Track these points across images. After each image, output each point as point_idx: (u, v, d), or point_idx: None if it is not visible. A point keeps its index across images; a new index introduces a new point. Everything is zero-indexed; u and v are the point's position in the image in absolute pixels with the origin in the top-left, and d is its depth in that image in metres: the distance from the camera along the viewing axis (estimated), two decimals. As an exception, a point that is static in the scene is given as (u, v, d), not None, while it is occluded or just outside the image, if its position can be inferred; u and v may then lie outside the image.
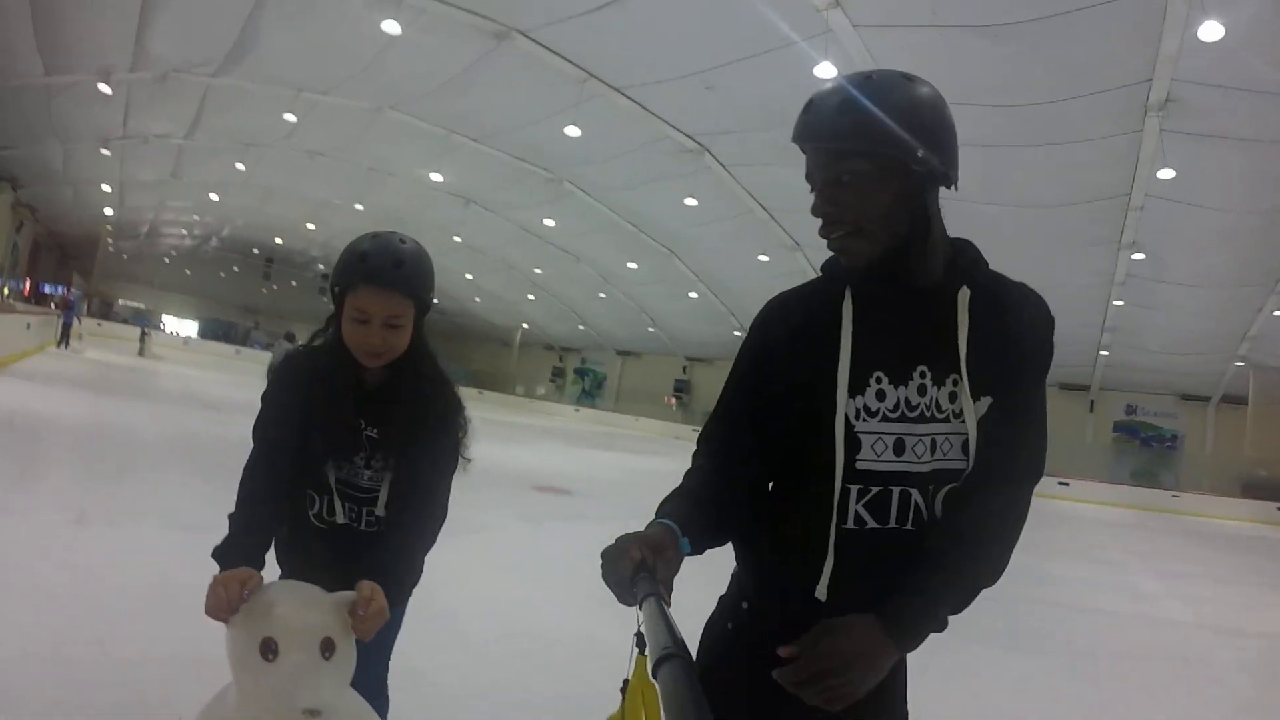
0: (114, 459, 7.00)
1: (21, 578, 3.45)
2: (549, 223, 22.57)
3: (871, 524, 1.08)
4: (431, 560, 1.69)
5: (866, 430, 1.09)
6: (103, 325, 35.17)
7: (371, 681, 1.65)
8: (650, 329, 32.43)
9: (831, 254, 1.17)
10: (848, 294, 1.14)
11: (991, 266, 1.17)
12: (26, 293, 32.37)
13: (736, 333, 27.29)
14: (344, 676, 1.28)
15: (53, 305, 30.03)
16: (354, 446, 1.61)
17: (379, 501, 1.62)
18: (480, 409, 24.27)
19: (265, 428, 1.60)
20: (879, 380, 1.10)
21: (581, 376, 41.77)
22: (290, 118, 16.92)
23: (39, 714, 2.29)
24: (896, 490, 1.08)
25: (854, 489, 1.08)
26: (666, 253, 22.29)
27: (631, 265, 24.53)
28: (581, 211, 20.64)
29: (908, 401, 1.10)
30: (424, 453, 1.61)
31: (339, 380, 1.60)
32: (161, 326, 44.20)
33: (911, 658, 1.09)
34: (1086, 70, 9.83)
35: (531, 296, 34.57)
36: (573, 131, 14.76)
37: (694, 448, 1.24)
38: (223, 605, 1.24)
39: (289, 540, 1.63)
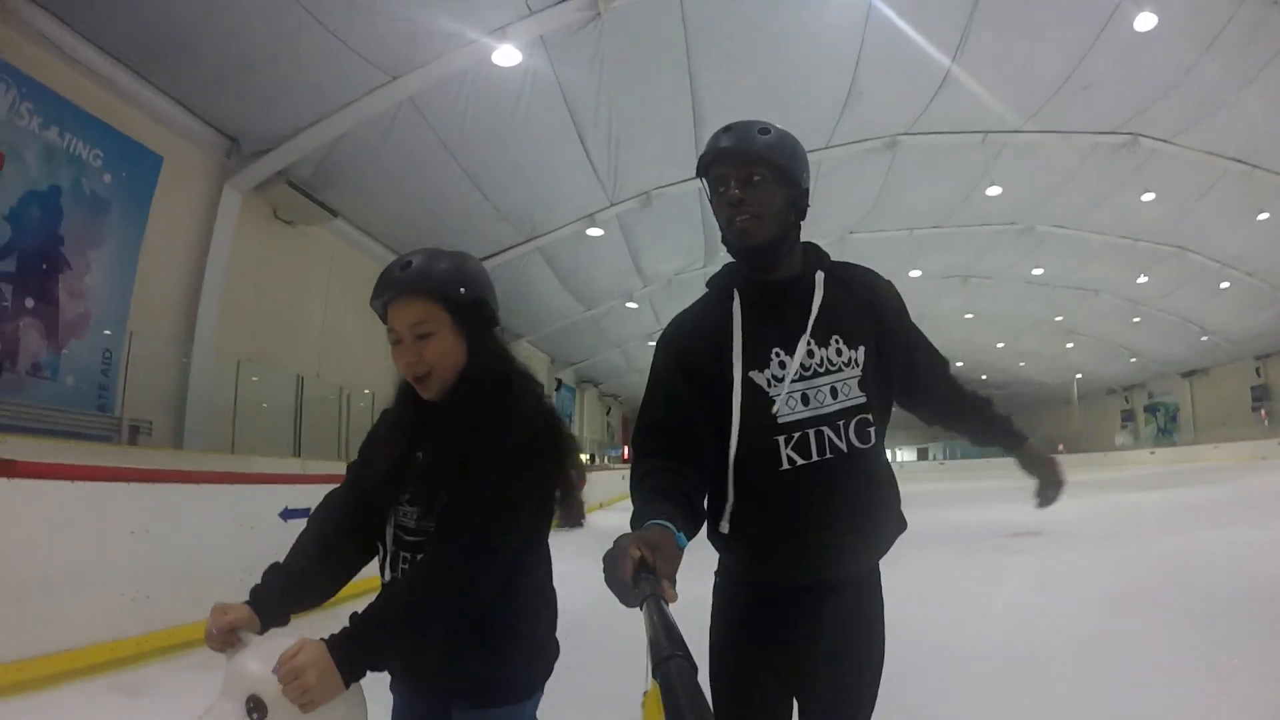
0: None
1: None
2: (1037, 271, 22.51)
3: (800, 461, 1.50)
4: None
5: (778, 393, 1.51)
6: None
7: None
8: (1204, 338, 28.49)
9: (713, 273, 1.71)
10: (736, 296, 1.60)
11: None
12: (625, 457, 43.64)
13: None
14: None
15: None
16: (401, 482, 1.56)
17: (413, 545, 1.53)
18: (1013, 478, 24.44)
19: (329, 493, 1.66)
20: (778, 354, 1.54)
21: (1153, 413, 37.65)
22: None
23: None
24: (811, 432, 1.50)
25: (781, 438, 1.50)
26: (1175, 250, 20.16)
27: (1142, 279, 22.60)
28: (1068, 248, 20.32)
29: (803, 365, 1.53)
30: (471, 485, 1.44)
31: (395, 413, 1.64)
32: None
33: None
34: None
35: (1070, 344, 33.24)
36: (994, 191, 15.58)
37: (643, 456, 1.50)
38: (206, 632, 1.37)
39: None
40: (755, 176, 1.53)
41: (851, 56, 10.53)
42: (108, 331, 7.67)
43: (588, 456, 27.28)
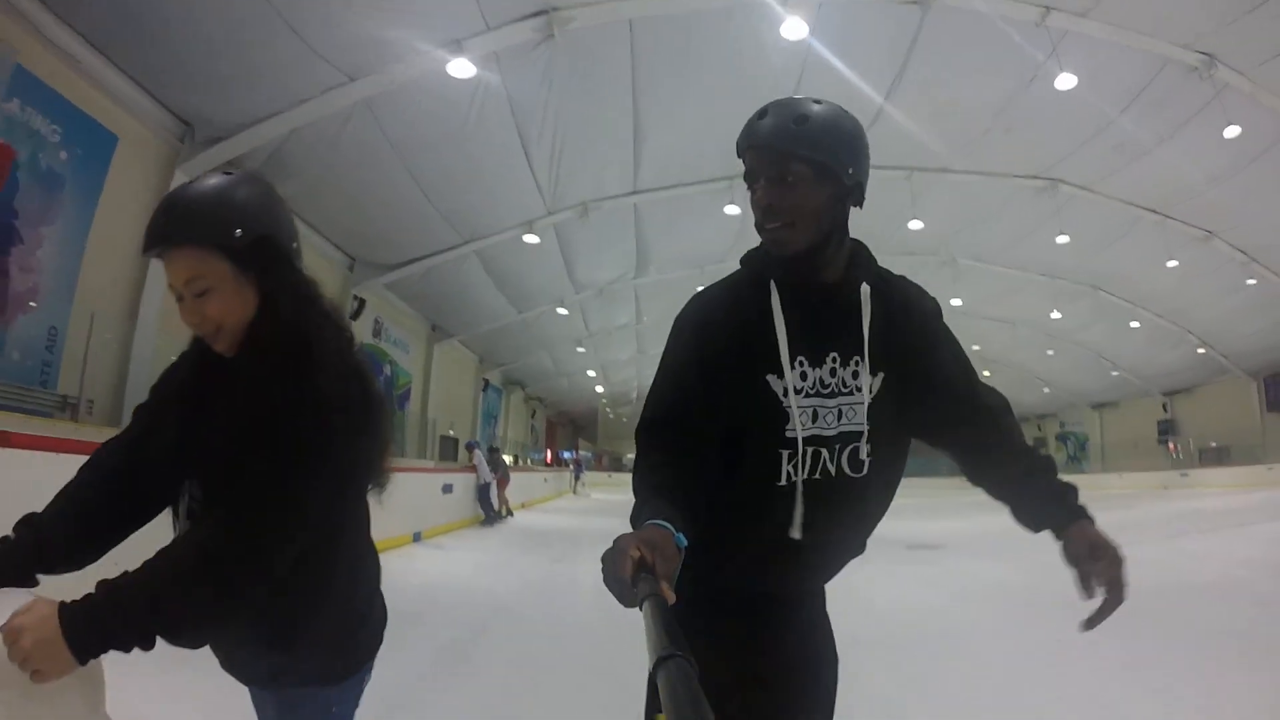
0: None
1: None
2: (956, 302, 23.78)
3: (795, 478, 1.44)
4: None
5: (791, 405, 1.43)
6: (612, 476, 44.83)
7: None
8: (1114, 373, 30.65)
9: (748, 251, 1.55)
10: (773, 288, 1.46)
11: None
12: (549, 460, 44.13)
13: (1200, 350, 25.07)
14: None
15: (569, 466, 39.90)
16: (187, 451, 1.41)
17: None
18: (961, 495, 25.19)
19: (106, 442, 1.53)
20: (801, 364, 1.43)
21: (1063, 442, 40.09)
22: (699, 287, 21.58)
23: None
24: (810, 451, 1.43)
25: (785, 453, 1.43)
26: (1088, 288, 21.78)
27: (1056, 315, 24.21)
28: (988, 281, 21.60)
29: (821, 381, 1.44)
30: (249, 459, 1.28)
31: (185, 369, 1.52)
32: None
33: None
34: None
35: (986, 373, 34.81)
36: (916, 225, 16.69)
37: (651, 447, 1.40)
38: None
39: None
40: (789, 176, 1.39)
41: (789, 89, 11.21)
42: (54, 308, 7.71)
43: (511, 458, 27.53)
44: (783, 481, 1.44)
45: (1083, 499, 1.52)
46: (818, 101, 1.42)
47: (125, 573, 1.21)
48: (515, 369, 29.43)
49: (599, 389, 39.66)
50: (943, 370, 1.58)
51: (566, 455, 48.61)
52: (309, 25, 7.95)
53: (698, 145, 12.40)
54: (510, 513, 16.98)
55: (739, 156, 1.48)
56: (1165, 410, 31.99)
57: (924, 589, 7.53)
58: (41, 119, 7.33)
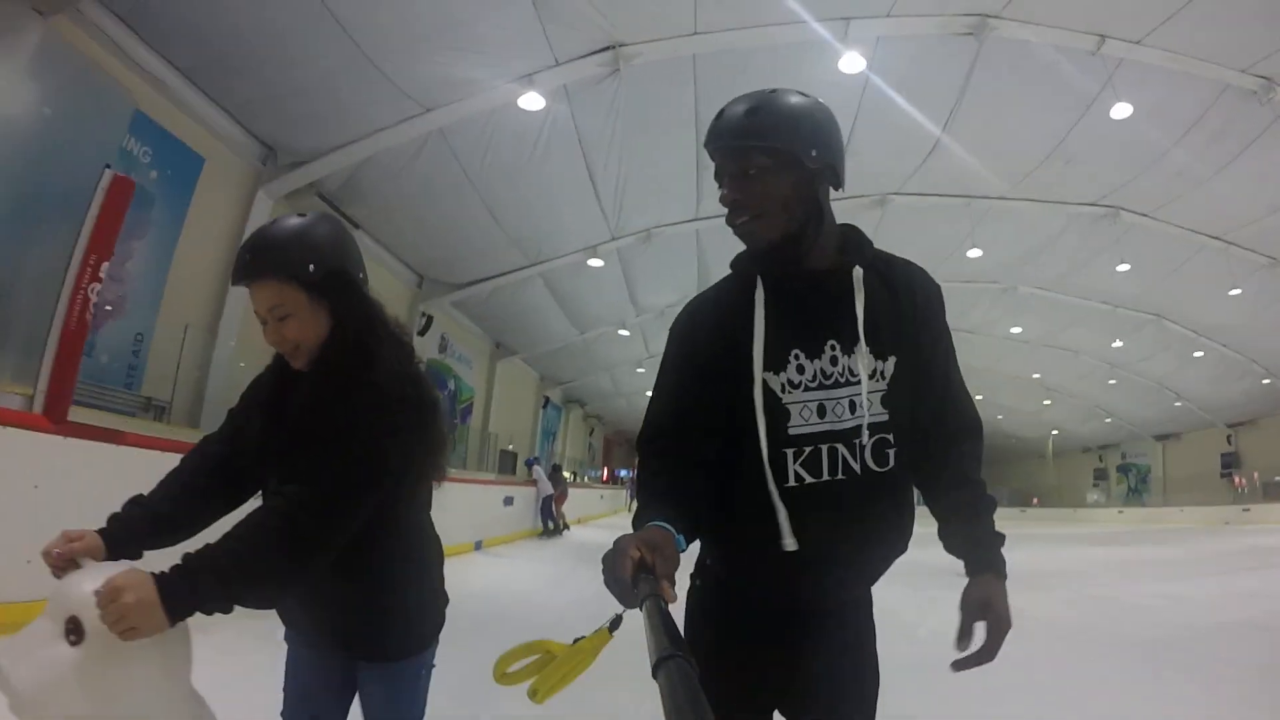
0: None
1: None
2: (1016, 330, 23.60)
3: (809, 479, 1.37)
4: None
5: (793, 400, 1.37)
6: (668, 494, 45.11)
7: None
8: (1177, 403, 29.73)
9: (738, 254, 1.51)
10: (759, 284, 1.43)
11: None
12: (605, 478, 44.62)
13: (1265, 381, 24.20)
14: (91, 677, 1.23)
15: (625, 484, 40.28)
16: (270, 449, 1.63)
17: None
18: (1019, 526, 24.91)
19: (203, 438, 1.78)
20: (797, 356, 1.39)
21: (1125, 473, 38.99)
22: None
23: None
24: (825, 448, 1.37)
25: (790, 451, 1.37)
26: (1152, 317, 21.34)
27: (1118, 344, 23.75)
28: (1048, 310, 21.42)
29: (823, 372, 1.39)
30: (321, 449, 1.49)
31: (269, 377, 1.74)
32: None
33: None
34: None
35: (1047, 401, 34.38)
36: (975, 253, 16.70)
37: (645, 459, 1.42)
38: (45, 552, 1.41)
39: None
40: (750, 169, 1.38)
41: (848, 120, 11.51)
42: (140, 316, 8.38)
43: (570, 474, 28.01)
44: (791, 482, 1.38)
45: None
46: (774, 90, 1.40)
47: (208, 545, 1.39)
48: (575, 387, 30.03)
49: (657, 409, 40.11)
50: (921, 355, 1.50)
51: (623, 473, 49.04)
52: (389, 60, 8.57)
53: (756, 174, 12.72)
54: (567, 526, 17.38)
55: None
56: (1229, 443, 31.09)
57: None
58: (135, 141, 8.01)
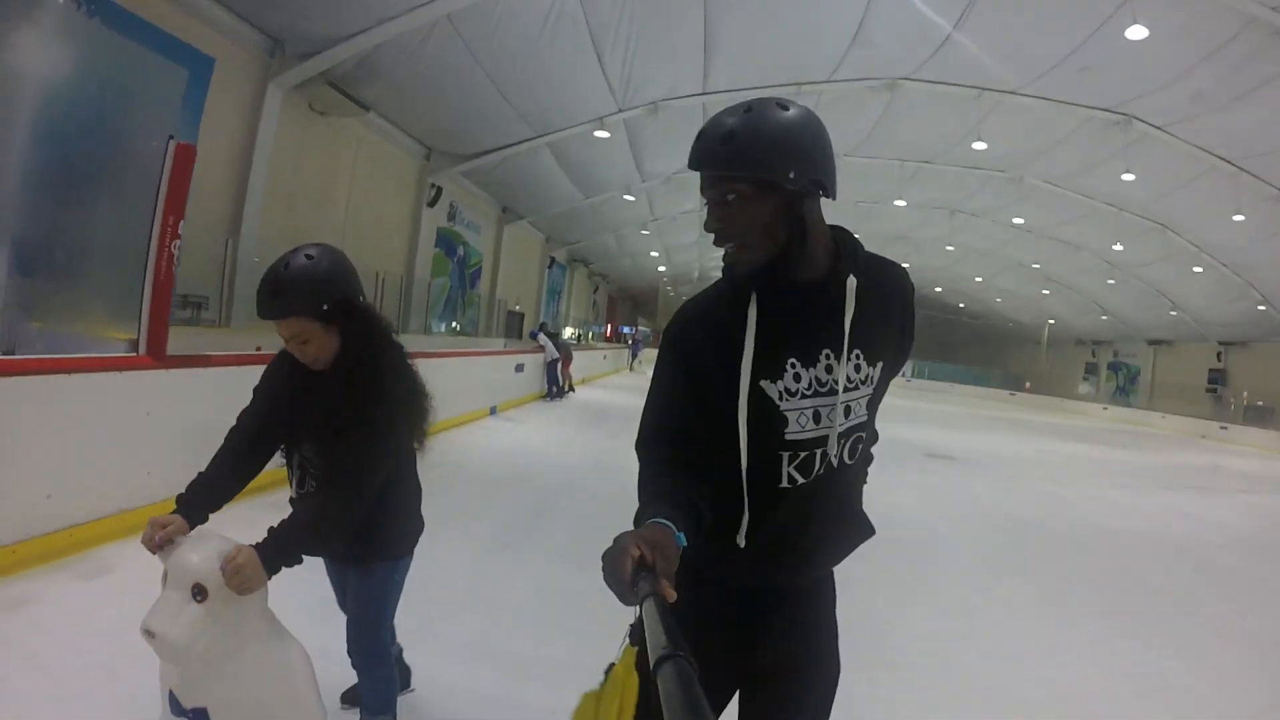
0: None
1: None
2: (1019, 220, 23.68)
3: (800, 480, 1.44)
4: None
5: (791, 408, 1.41)
6: (669, 354, 46.26)
7: (360, 653, 2.34)
8: (1173, 313, 30.06)
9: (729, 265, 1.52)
10: (753, 297, 1.42)
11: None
12: (608, 335, 45.72)
13: (1261, 307, 24.41)
14: (218, 621, 1.74)
15: (628, 342, 41.34)
16: (300, 427, 2.13)
17: (316, 475, 2.14)
18: (1005, 409, 29.92)
19: (240, 414, 2.20)
20: (793, 365, 1.41)
21: (1115, 371, 39.83)
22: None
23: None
24: (819, 451, 1.44)
25: (785, 455, 1.42)
26: (1156, 226, 21.35)
27: (1118, 247, 23.81)
28: (1054, 203, 21.45)
29: (818, 379, 1.42)
30: (341, 437, 2.02)
31: (290, 367, 2.13)
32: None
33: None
34: None
35: (1046, 291, 34.64)
36: (979, 146, 16.88)
37: (642, 455, 1.43)
38: (145, 539, 1.83)
39: None
40: (730, 196, 1.36)
41: (857, 14, 11.46)
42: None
43: (574, 334, 28.79)
44: (784, 483, 1.44)
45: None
46: (749, 109, 1.34)
47: (285, 520, 1.92)
48: (580, 248, 30.56)
49: (661, 269, 40.74)
50: (899, 355, 1.61)
51: (626, 330, 50.04)
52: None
53: (766, 56, 12.79)
54: (573, 388, 18.21)
55: None
56: (1219, 360, 31.47)
57: (933, 503, 8.41)
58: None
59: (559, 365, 16.82)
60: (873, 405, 1.51)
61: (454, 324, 18.23)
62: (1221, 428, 27.18)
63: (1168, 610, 5.24)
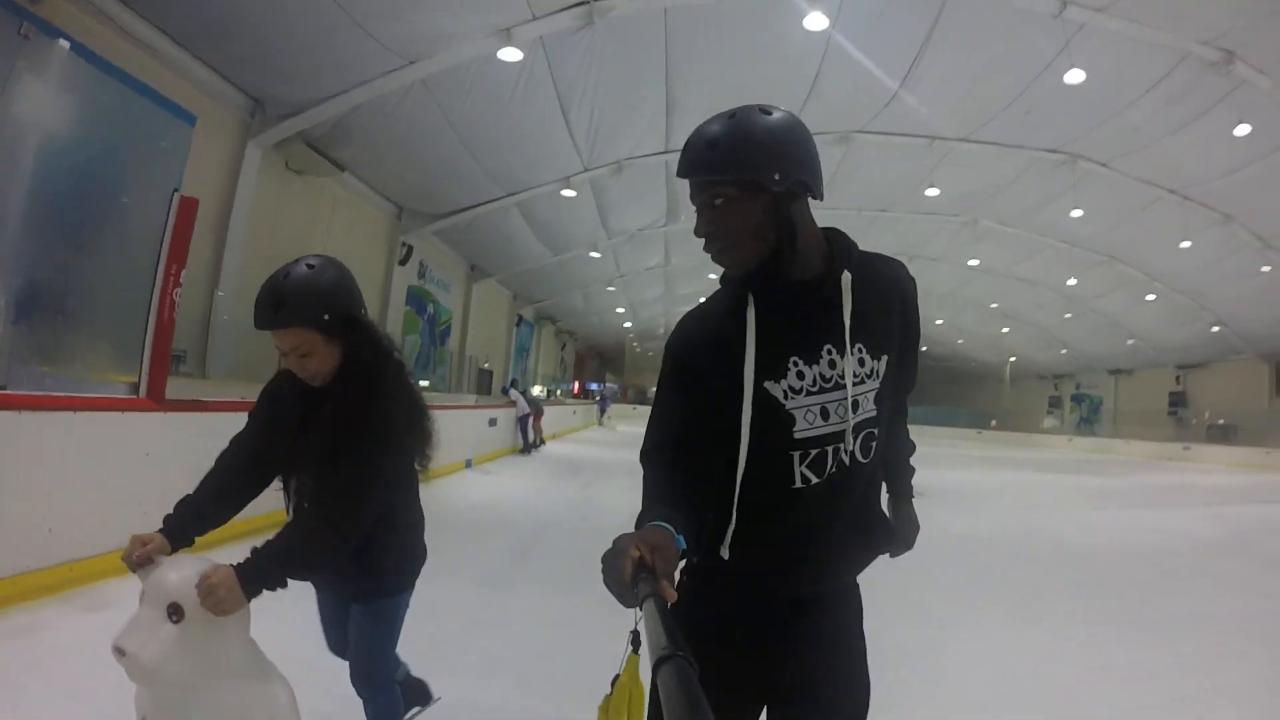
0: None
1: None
2: (974, 262, 24.48)
3: (814, 479, 1.43)
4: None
5: (797, 406, 1.41)
6: (636, 408, 45.90)
7: (365, 684, 2.22)
8: (1130, 341, 31.23)
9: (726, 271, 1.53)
10: (750, 300, 1.44)
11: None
12: (576, 391, 46.03)
13: (1215, 328, 25.58)
14: (193, 644, 1.64)
15: (596, 399, 41.48)
16: (296, 453, 1.99)
17: (309, 498, 1.97)
18: (972, 447, 30.59)
19: (233, 439, 2.10)
20: (795, 364, 1.41)
21: (1078, 403, 40.92)
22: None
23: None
24: (830, 449, 1.43)
25: (796, 454, 1.42)
26: (1107, 259, 22.34)
27: (1072, 281, 24.77)
28: (1008, 243, 22.28)
29: (822, 376, 1.42)
30: (336, 458, 1.85)
31: (289, 388, 2.03)
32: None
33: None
34: None
35: (1006, 329, 35.62)
36: (933, 192, 17.61)
37: (647, 462, 1.43)
38: (125, 556, 1.76)
39: None
40: (717, 200, 1.38)
41: (810, 75, 12.06)
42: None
43: (543, 390, 28.88)
44: (798, 484, 1.43)
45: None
46: (734, 115, 1.37)
47: (268, 540, 1.78)
48: (548, 306, 30.81)
49: (627, 325, 41.17)
50: (905, 349, 1.59)
51: (594, 386, 50.24)
52: (371, 18, 8.91)
53: (725, 112, 13.21)
54: (543, 442, 18.33)
55: None
56: (1178, 383, 32.56)
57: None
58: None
59: (530, 420, 17.01)
60: (882, 401, 1.50)
61: (425, 380, 18.33)
62: (1184, 448, 28.11)
63: (1141, 606, 5.58)
